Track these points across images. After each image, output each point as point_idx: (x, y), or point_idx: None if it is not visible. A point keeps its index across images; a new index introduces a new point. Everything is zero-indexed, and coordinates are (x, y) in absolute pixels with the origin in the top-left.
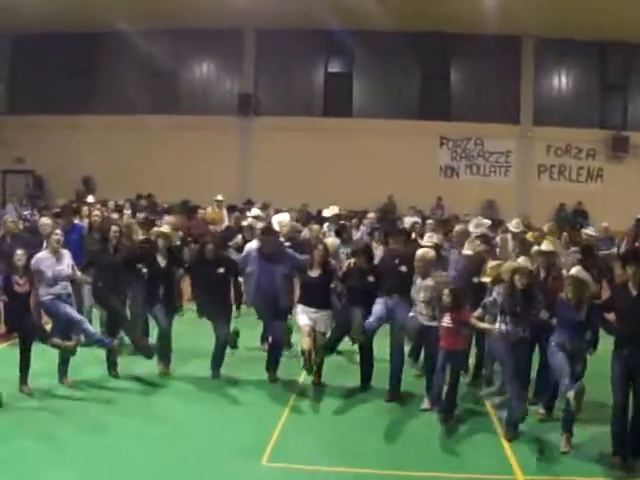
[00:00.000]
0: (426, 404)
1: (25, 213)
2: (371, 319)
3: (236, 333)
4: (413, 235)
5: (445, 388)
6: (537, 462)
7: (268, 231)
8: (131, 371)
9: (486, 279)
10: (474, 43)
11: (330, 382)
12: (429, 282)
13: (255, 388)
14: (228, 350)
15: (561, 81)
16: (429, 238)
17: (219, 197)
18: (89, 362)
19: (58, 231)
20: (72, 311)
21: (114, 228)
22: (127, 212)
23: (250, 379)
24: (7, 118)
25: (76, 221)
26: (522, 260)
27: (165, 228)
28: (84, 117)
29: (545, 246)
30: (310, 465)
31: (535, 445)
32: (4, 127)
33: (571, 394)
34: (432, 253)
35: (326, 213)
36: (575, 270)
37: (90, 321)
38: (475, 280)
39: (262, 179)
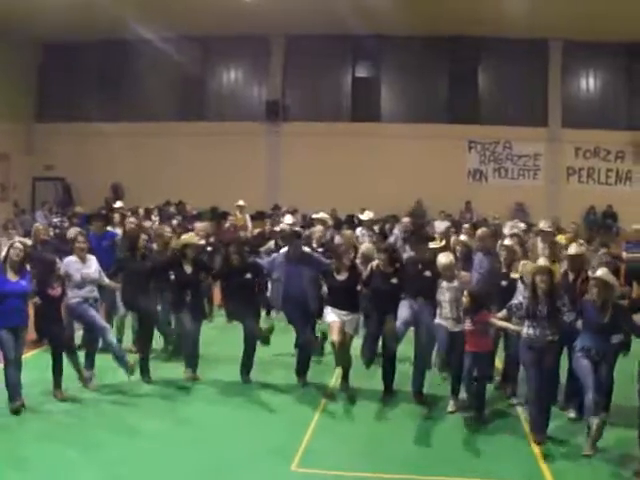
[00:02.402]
0: (451, 407)
1: (55, 220)
2: (398, 323)
3: (270, 330)
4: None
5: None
6: (568, 467)
7: (289, 236)
8: (161, 376)
9: (515, 275)
10: (501, 46)
11: (359, 386)
12: (454, 284)
13: (285, 392)
14: (259, 353)
15: (589, 83)
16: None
17: (240, 202)
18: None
19: (81, 238)
20: (98, 317)
21: (144, 236)
22: (155, 219)
23: (280, 383)
24: (37, 126)
25: (109, 228)
26: (542, 260)
27: (191, 238)
28: (112, 124)
29: (573, 249)
30: (339, 471)
31: (566, 449)
32: (34, 135)
33: (594, 423)
34: (452, 257)
35: (363, 217)
36: (600, 272)
37: (123, 329)
38: (503, 283)
39: (290, 185)
